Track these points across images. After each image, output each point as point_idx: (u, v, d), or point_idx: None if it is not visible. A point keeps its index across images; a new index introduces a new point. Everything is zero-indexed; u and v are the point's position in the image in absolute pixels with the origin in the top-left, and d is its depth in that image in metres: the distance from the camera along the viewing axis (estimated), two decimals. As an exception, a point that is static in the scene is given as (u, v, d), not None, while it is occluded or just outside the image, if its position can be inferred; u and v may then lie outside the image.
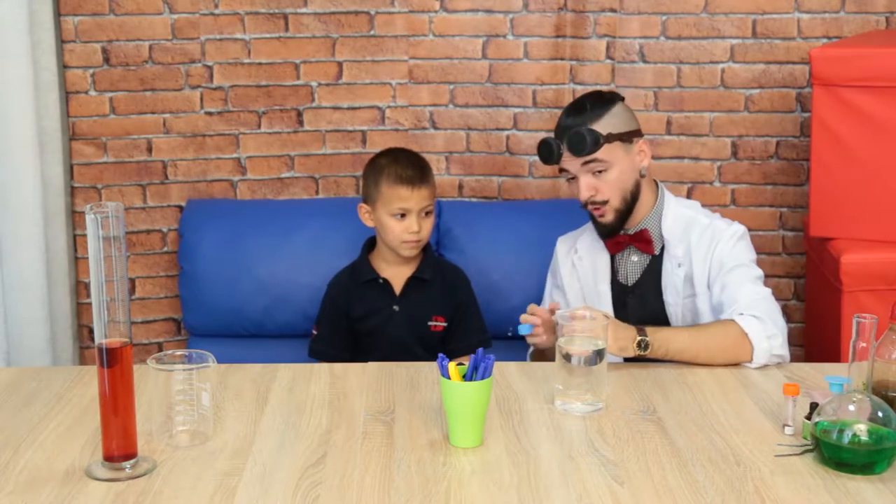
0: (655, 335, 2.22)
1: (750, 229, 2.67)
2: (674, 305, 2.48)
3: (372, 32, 3.32)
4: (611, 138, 2.41)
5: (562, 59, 3.32)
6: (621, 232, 2.51)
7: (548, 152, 2.45)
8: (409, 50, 3.33)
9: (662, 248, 2.50)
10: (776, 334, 2.25)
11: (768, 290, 2.39)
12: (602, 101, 2.47)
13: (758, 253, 2.64)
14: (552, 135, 2.48)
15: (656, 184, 2.54)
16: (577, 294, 2.58)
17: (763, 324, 2.24)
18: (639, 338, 2.19)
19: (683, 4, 3.27)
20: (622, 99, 2.50)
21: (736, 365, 2.26)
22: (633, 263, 2.52)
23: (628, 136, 2.45)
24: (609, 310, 2.49)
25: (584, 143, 2.39)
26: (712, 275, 2.43)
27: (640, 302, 2.50)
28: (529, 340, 2.32)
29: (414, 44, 3.33)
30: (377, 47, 3.32)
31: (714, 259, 2.43)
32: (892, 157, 2.81)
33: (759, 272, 2.44)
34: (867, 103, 2.79)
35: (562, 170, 2.48)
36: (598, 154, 2.40)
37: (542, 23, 3.30)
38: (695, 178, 3.34)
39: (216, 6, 3.24)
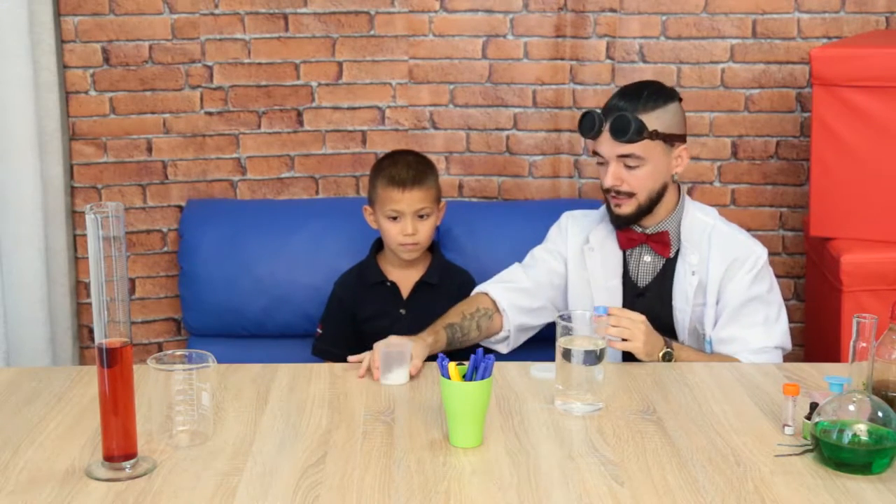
0: (679, 353, 2.27)
1: (750, 229, 2.67)
2: (682, 312, 2.44)
3: (372, 32, 3.32)
4: (655, 135, 2.35)
5: (562, 59, 3.32)
6: (639, 230, 2.46)
7: (590, 124, 2.38)
8: (409, 50, 3.33)
9: (677, 253, 2.46)
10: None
11: (781, 329, 2.40)
12: (661, 94, 2.41)
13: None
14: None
15: (678, 187, 2.49)
16: (585, 286, 2.53)
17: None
18: (665, 349, 2.25)
19: (683, 4, 3.27)
20: (680, 99, 2.45)
21: (735, 364, 2.27)
22: (646, 264, 2.49)
23: (672, 139, 2.39)
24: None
25: (627, 128, 2.31)
26: (726, 298, 2.40)
27: (648, 305, 2.44)
28: None
29: (414, 44, 3.33)
30: (377, 47, 3.32)
31: (733, 283, 2.40)
32: (892, 157, 2.81)
33: (774, 305, 2.42)
34: (867, 103, 2.79)
35: (595, 152, 2.42)
36: (636, 148, 2.34)
37: (542, 23, 3.30)
38: (695, 178, 3.34)
39: (216, 6, 3.24)
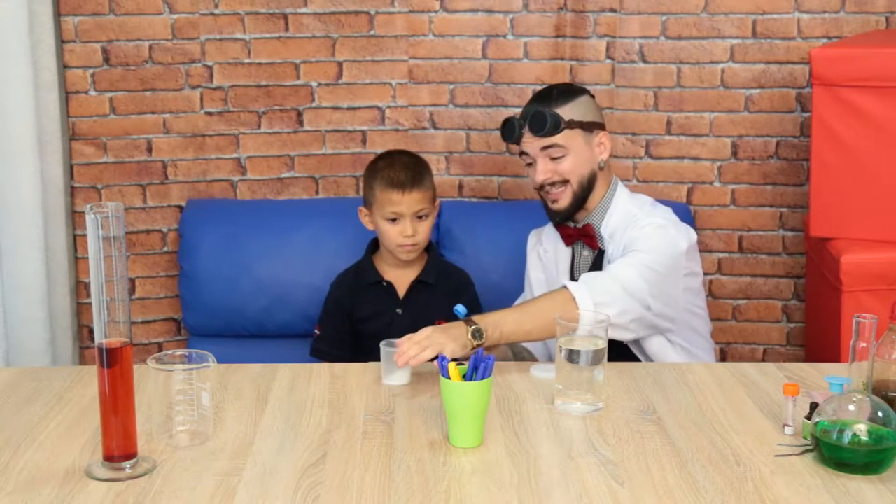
0: (484, 321, 2.18)
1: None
2: None
3: (372, 32, 3.32)
4: (572, 124, 2.48)
5: (562, 59, 3.32)
6: (572, 225, 2.58)
7: (510, 129, 2.54)
8: (409, 50, 3.33)
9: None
10: (607, 302, 2.25)
11: (634, 272, 2.32)
12: (570, 90, 2.57)
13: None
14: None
15: (609, 180, 2.57)
16: (542, 285, 2.66)
17: (592, 291, 2.25)
18: (471, 328, 2.14)
19: (683, 4, 3.27)
20: (590, 94, 2.59)
21: (736, 364, 2.26)
22: (585, 258, 2.60)
23: (590, 126, 2.52)
24: None
25: (544, 122, 2.46)
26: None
27: None
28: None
29: (414, 44, 3.33)
30: (377, 47, 3.32)
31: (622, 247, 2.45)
32: (892, 157, 2.80)
33: (649, 258, 2.36)
34: (867, 103, 2.79)
35: (522, 153, 2.56)
36: (558, 138, 2.48)
37: (542, 23, 3.30)
38: (695, 178, 3.34)
39: (216, 6, 3.24)
